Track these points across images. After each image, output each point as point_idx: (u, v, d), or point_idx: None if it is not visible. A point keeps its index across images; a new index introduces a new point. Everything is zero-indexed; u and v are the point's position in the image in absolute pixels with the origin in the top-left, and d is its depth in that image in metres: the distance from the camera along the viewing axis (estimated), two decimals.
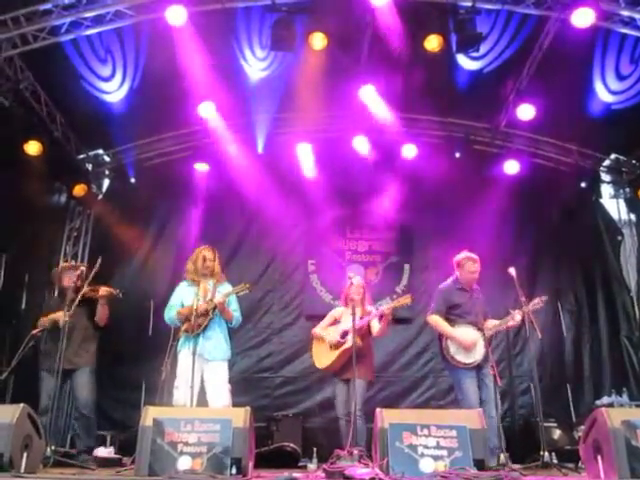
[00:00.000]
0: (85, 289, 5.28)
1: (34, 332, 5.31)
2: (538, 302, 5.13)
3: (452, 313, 5.36)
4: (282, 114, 7.99)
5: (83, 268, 5.43)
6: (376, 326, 5.50)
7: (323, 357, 5.59)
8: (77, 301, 5.13)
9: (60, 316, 5.12)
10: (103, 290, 5.42)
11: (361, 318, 5.41)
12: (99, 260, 5.25)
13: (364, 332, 5.46)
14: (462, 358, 5.18)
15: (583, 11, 5.66)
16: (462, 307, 5.34)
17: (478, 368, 5.16)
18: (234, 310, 5.14)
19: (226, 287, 5.14)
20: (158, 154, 8.45)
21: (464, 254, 5.48)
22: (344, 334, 5.49)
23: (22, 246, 6.77)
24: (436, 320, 5.36)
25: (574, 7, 5.71)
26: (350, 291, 5.62)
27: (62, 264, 5.80)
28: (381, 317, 5.49)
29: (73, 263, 5.63)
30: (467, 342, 5.14)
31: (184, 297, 5.10)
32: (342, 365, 5.47)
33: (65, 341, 5.10)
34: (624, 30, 6.13)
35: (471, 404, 4.99)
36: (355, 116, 7.84)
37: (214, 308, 4.96)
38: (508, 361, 7.87)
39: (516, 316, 5.12)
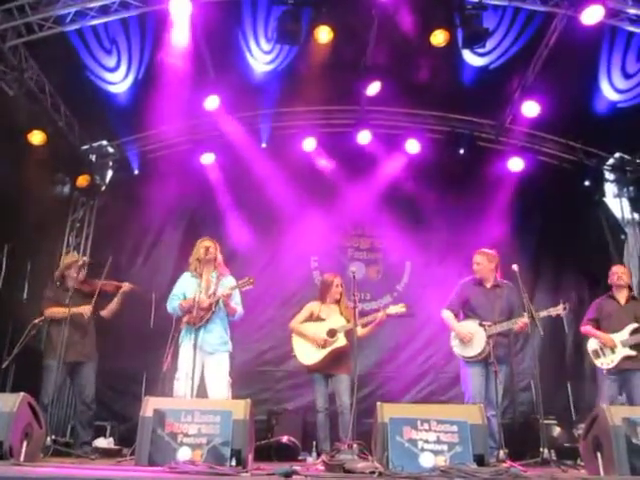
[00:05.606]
0: (103, 281, 5.38)
1: (36, 321, 5.32)
2: (559, 309, 5.03)
3: (465, 307, 5.45)
4: (287, 108, 7.97)
5: (85, 259, 5.46)
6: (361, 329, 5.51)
7: (311, 354, 5.59)
8: (95, 295, 5.28)
9: (86, 310, 5.27)
10: (127, 286, 5.51)
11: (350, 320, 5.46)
12: (110, 259, 5.35)
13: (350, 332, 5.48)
14: (460, 350, 5.26)
15: (593, 8, 5.64)
16: (474, 302, 5.40)
17: (485, 363, 5.16)
18: (237, 304, 5.14)
19: (229, 280, 5.13)
20: (162, 146, 8.44)
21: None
22: (332, 333, 5.53)
23: (25, 236, 6.75)
24: (445, 313, 5.47)
25: (581, 4, 5.70)
26: (332, 290, 5.75)
27: (67, 258, 5.81)
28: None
29: (75, 254, 5.64)
30: (462, 334, 5.20)
31: (187, 288, 5.09)
32: (328, 362, 5.54)
33: (78, 334, 5.17)
34: (631, 28, 6.10)
35: (472, 398, 5.01)
36: (360, 110, 7.81)
37: (217, 302, 4.95)
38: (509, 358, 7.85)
39: (519, 321, 5.08)
